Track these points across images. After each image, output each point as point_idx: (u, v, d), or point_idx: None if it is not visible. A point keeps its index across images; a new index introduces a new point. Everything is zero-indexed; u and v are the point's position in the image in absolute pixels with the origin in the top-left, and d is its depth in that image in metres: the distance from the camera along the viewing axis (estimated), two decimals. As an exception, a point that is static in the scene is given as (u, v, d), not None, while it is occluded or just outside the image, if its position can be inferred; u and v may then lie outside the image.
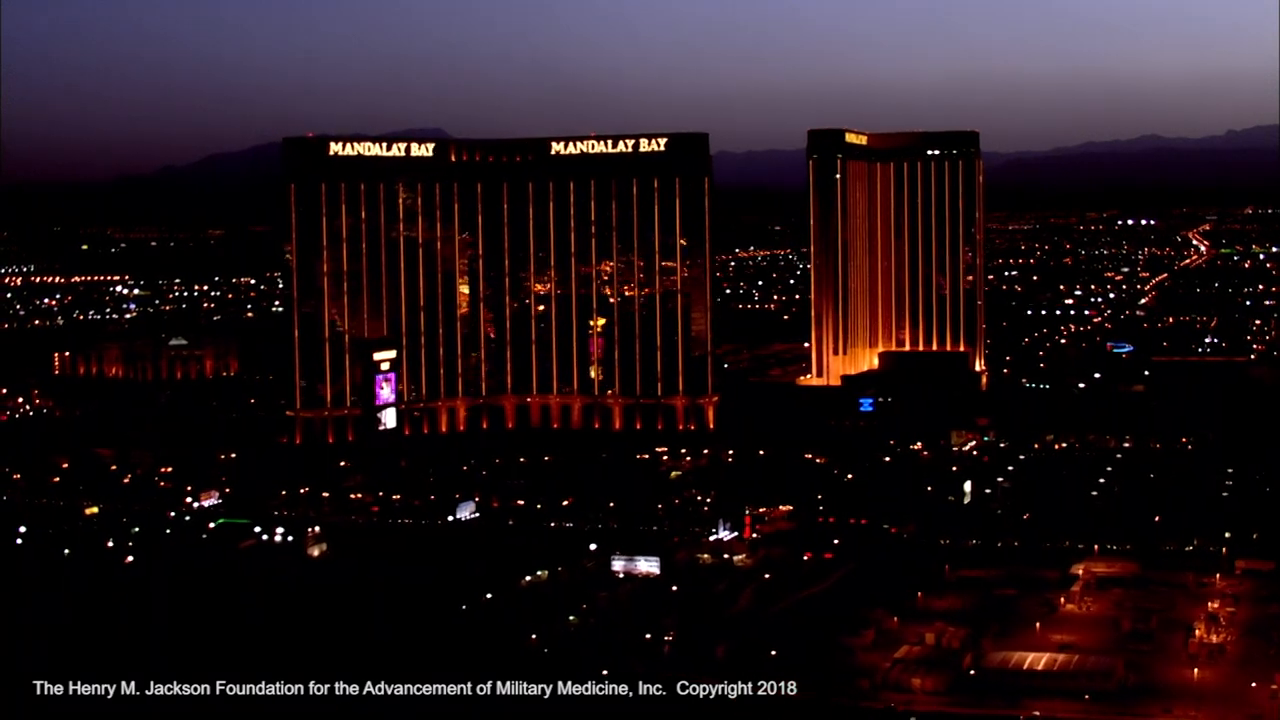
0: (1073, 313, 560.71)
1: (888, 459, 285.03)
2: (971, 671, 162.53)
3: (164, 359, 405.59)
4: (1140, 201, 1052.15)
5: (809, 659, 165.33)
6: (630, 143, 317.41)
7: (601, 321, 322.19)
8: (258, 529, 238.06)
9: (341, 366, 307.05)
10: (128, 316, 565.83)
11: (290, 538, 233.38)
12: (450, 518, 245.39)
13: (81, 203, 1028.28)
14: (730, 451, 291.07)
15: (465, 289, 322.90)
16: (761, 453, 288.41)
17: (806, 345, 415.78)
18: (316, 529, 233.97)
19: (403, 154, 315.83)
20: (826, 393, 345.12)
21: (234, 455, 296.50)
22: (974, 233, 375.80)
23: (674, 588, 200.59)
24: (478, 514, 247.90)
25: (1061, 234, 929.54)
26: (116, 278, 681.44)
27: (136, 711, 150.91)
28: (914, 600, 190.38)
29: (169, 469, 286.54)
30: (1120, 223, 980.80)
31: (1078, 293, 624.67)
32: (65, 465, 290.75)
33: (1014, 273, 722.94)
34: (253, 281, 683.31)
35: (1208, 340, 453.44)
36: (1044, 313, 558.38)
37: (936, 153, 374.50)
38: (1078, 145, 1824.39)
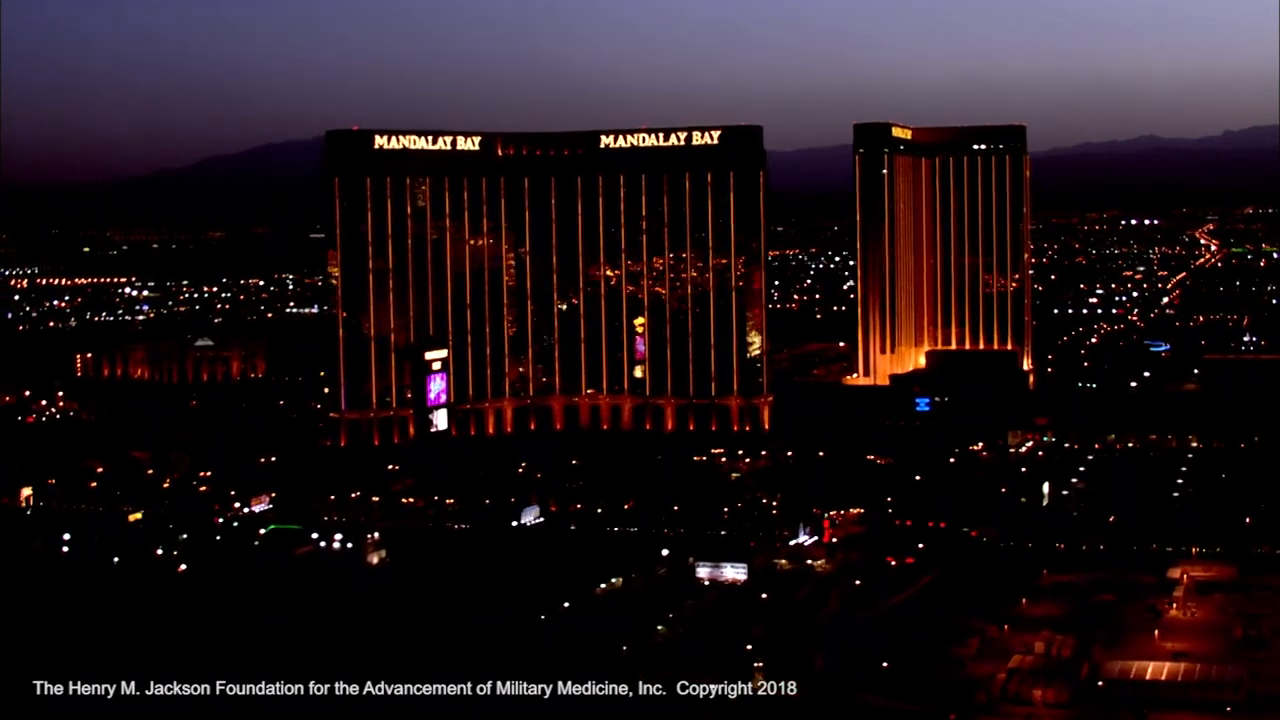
0: (1099, 311, 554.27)
1: (951, 460, 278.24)
2: (1100, 683, 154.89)
3: (189, 360, 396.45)
4: (1141, 201, 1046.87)
5: (918, 670, 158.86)
6: (682, 135, 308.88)
7: (641, 321, 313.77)
8: (314, 535, 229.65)
9: (387, 367, 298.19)
10: (140, 318, 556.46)
11: (349, 544, 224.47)
12: (514, 522, 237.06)
13: (78, 205, 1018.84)
14: (789, 453, 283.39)
15: (512, 286, 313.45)
16: (821, 454, 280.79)
17: (843, 345, 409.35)
18: (375, 535, 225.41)
19: (449, 148, 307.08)
20: (878, 392, 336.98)
21: (274, 459, 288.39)
22: (1021, 229, 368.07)
23: (764, 595, 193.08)
24: (542, 518, 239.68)
25: (1066, 234, 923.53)
26: (123, 279, 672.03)
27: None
28: (1011, 607, 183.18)
29: (208, 473, 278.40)
30: (1124, 223, 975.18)
31: (1099, 292, 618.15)
32: (100, 469, 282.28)
33: (1031, 272, 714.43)
34: (261, 283, 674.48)
35: (1246, 339, 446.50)
36: (1070, 312, 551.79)
37: (982, 147, 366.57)
38: (1075, 145, 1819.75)
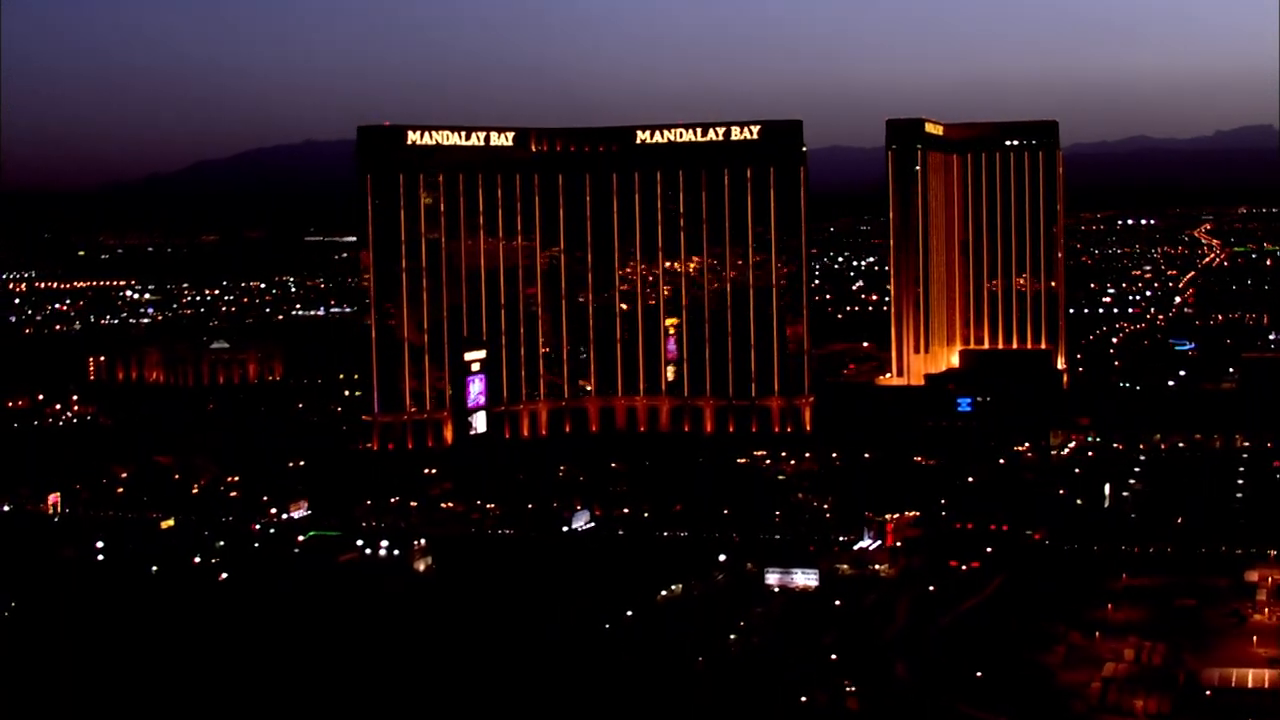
0: (1115, 311, 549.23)
1: (1002, 460, 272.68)
2: (1208, 692, 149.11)
3: (205, 362, 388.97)
4: (1134, 202, 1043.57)
5: (1007, 679, 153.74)
6: (721, 131, 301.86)
7: (672, 321, 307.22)
8: (359, 542, 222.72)
9: (421, 368, 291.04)
10: (145, 321, 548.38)
11: (396, 551, 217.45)
12: (565, 528, 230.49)
13: (71, 210, 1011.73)
14: (834, 454, 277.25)
15: (546, 286, 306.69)
16: (866, 455, 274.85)
17: (866, 344, 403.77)
18: (421, 541, 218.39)
19: (482, 143, 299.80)
20: (915, 392, 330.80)
21: (303, 463, 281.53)
22: (1055, 226, 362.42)
23: (836, 602, 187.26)
24: (592, 523, 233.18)
25: (1065, 235, 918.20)
26: (121, 282, 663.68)
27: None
28: (1091, 613, 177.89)
29: (235, 478, 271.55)
30: (1120, 223, 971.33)
31: (1111, 291, 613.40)
32: (124, 475, 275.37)
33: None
34: (262, 285, 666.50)
35: (1271, 337, 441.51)
36: (1085, 311, 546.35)
37: (1015, 143, 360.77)
38: (1066, 146, 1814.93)
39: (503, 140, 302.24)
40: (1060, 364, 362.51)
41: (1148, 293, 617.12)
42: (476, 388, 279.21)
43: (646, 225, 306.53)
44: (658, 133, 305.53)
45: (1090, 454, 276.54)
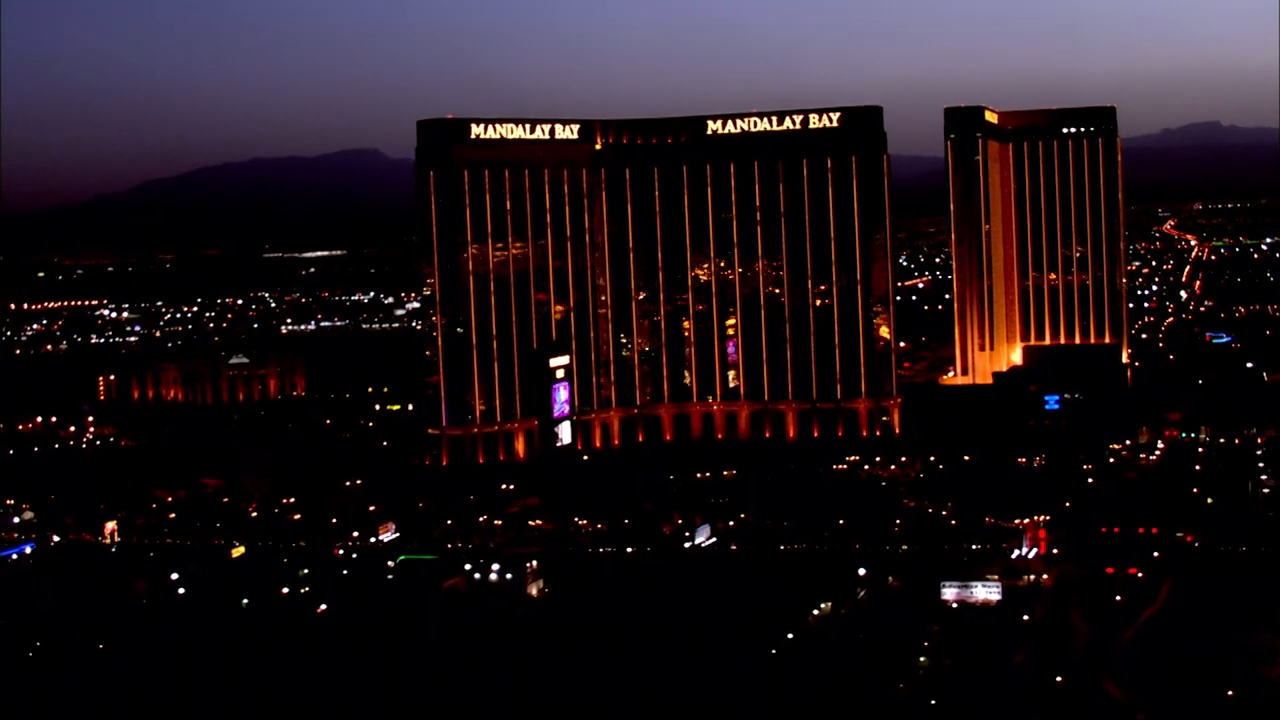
0: (1130, 305, 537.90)
1: (1111, 460, 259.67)
2: None
3: (224, 379, 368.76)
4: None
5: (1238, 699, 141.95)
6: (798, 119, 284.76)
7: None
8: (467, 566, 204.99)
9: (490, 376, 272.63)
10: (132, 340, 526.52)
11: (508, 575, 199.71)
12: (686, 544, 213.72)
13: (21, 232, 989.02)
14: (932, 458, 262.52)
15: (616, 286, 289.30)
16: (967, 459, 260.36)
17: (905, 343, 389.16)
18: (534, 564, 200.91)
19: (547, 136, 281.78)
20: (990, 391, 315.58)
21: (359, 481, 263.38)
22: (1116, 217, 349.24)
23: (1025, 617, 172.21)
24: (714, 538, 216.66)
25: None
26: (94, 302, 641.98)
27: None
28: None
29: (291, 499, 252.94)
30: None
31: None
32: (170, 499, 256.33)
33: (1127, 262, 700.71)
34: (240, 302, 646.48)
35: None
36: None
37: (1072, 130, 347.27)
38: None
39: (567, 133, 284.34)
40: (1125, 358, 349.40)
41: (1151, 286, 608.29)
42: (562, 396, 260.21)
43: (720, 219, 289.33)
44: (730, 122, 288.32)
45: (1201, 450, 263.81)
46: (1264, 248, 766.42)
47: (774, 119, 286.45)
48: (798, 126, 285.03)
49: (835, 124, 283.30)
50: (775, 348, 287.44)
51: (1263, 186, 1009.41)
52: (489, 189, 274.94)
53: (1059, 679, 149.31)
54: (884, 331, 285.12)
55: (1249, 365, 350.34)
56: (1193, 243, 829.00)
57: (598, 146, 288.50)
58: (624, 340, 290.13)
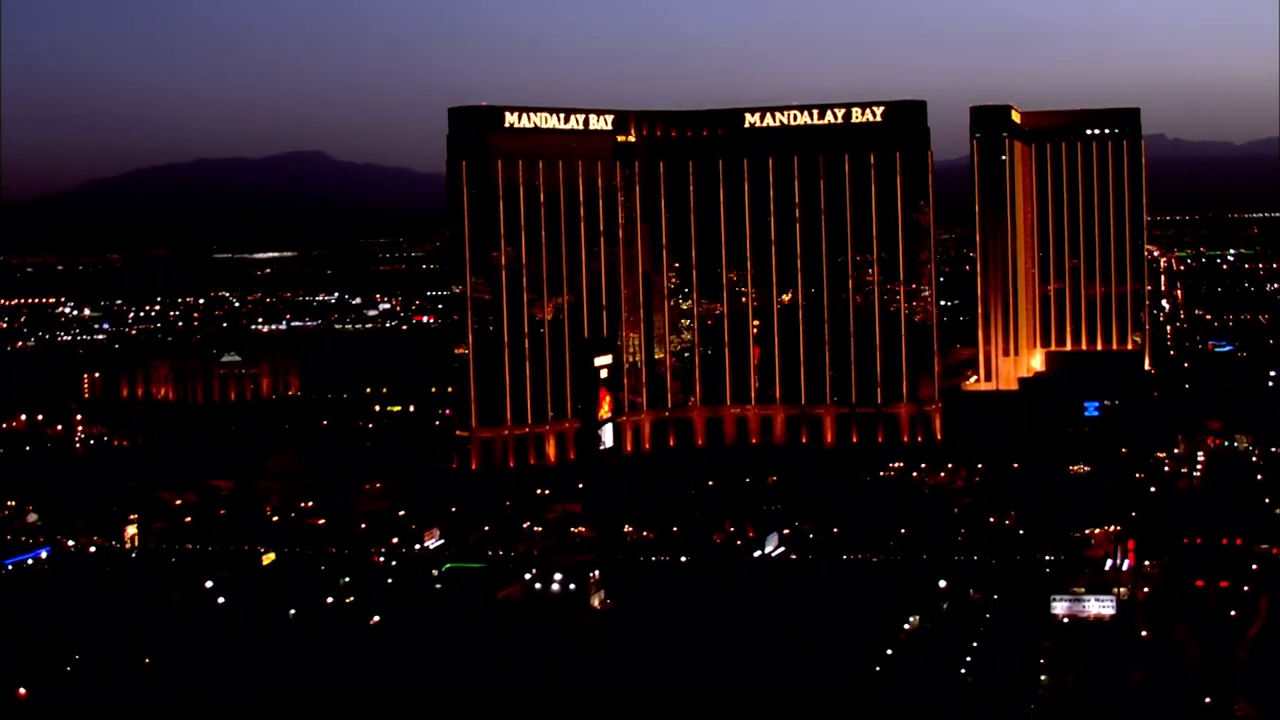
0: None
1: (1166, 467, 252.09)
2: None
3: (216, 377, 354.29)
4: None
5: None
6: (840, 112, 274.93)
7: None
8: (528, 575, 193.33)
9: (522, 376, 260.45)
10: (99, 337, 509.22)
11: (571, 585, 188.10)
12: (757, 552, 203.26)
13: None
14: (979, 465, 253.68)
15: (648, 284, 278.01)
16: (1016, 466, 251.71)
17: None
18: (597, 573, 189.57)
19: (581, 127, 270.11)
20: (1019, 397, 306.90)
21: (379, 485, 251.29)
22: (1140, 220, 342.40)
23: (1144, 633, 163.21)
24: (783, 547, 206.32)
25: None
26: (52, 300, 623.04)
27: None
28: None
29: (309, 503, 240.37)
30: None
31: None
32: (179, 502, 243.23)
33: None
34: (202, 301, 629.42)
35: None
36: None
37: (1096, 132, 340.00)
38: (955, 159, 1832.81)
39: (601, 124, 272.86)
40: (1148, 365, 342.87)
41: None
42: (606, 397, 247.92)
43: (757, 216, 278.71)
44: (769, 115, 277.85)
45: (1254, 458, 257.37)
46: (1230, 258, 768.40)
47: (815, 113, 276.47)
48: (839, 120, 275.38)
49: (879, 118, 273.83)
50: (813, 349, 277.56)
51: (1210, 199, 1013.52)
52: (523, 181, 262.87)
53: (1207, 700, 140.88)
54: (926, 334, 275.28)
55: (1272, 374, 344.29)
56: (1156, 253, 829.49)
57: (632, 139, 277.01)
58: (658, 340, 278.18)
